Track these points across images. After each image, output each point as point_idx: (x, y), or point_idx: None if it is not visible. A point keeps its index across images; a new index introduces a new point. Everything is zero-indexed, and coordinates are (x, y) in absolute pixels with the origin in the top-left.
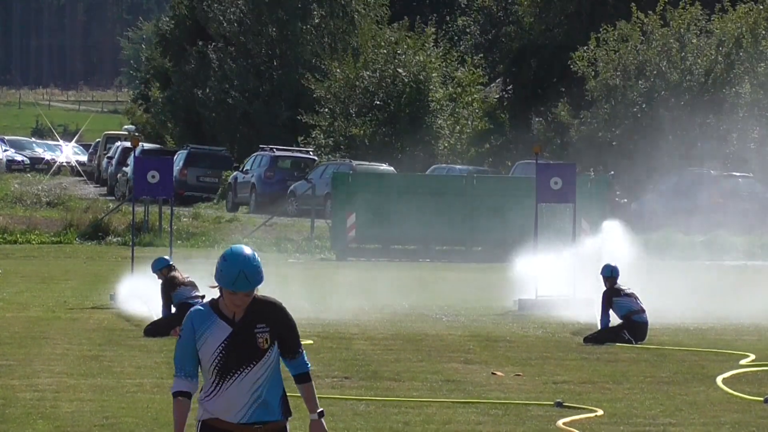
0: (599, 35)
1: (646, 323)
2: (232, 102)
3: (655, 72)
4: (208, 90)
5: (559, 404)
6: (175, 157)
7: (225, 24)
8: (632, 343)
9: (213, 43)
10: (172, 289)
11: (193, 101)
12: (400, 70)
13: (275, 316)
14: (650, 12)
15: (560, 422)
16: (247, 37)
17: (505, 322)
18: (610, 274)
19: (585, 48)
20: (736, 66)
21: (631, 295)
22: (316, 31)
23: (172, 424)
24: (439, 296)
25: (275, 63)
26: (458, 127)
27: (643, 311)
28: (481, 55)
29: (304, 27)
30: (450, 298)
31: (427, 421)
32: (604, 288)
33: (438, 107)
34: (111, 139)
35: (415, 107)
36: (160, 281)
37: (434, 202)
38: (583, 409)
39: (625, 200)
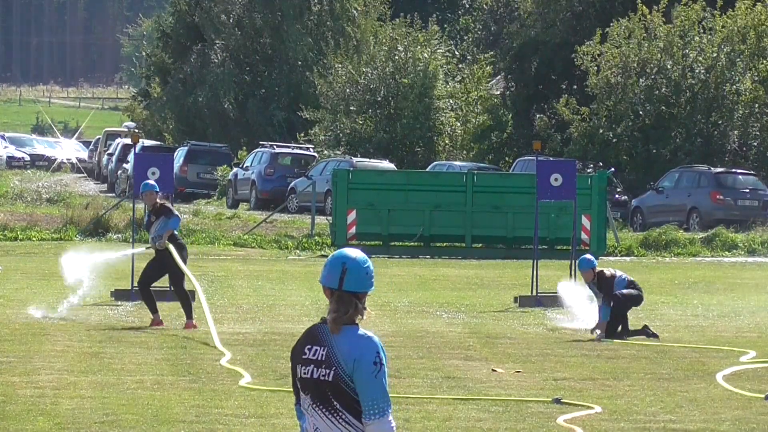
0: (605, 31)
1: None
2: (224, 109)
3: (656, 69)
4: (201, 94)
5: (558, 401)
6: (175, 154)
7: (224, 19)
8: (656, 338)
9: (215, 43)
10: (170, 214)
11: (187, 104)
12: (408, 64)
13: None
14: (654, 8)
15: (560, 419)
16: (245, 36)
17: (505, 318)
18: (592, 265)
19: (590, 43)
20: (737, 63)
21: (616, 275)
22: (316, 28)
23: (172, 422)
24: (439, 293)
25: (274, 61)
26: (459, 124)
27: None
28: (491, 53)
29: (301, 25)
30: (450, 295)
31: (428, 418)
32: (589, 280)
33: (441, 104)
34: (111, 136)
35: (419, 103)
36: (150, 204)
37: (434, 199)
38: (582, 406)
39: (626, 197)
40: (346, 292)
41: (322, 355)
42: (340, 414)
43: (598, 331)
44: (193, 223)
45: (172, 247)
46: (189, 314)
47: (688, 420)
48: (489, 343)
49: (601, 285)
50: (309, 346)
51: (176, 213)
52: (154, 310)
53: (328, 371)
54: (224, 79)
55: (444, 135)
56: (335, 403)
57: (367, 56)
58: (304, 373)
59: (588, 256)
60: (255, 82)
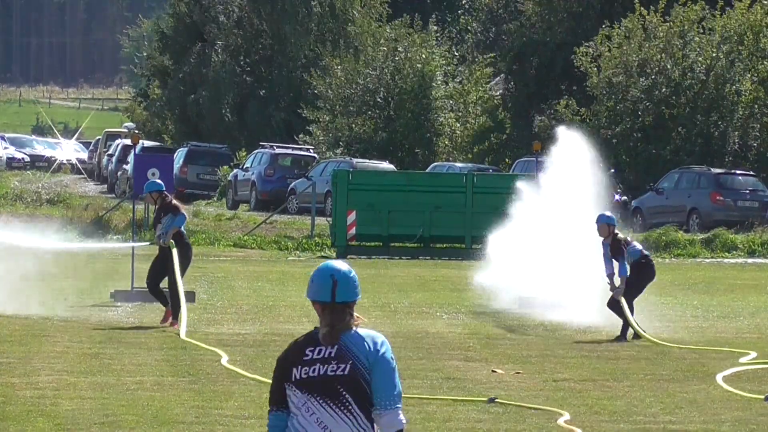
0: (605, 32)
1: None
2: (225, 109)
3: (656, 69)
4: (202, 94)
5: (492, 400)
6: (175, 155)
7: (223, 20)
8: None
9: (215, 43)
10: (176, 212)
11: (188, 104)
12: (406, 65)
13: None
14: (652, 8)
15: (561, 420)
16: (246, 37)
17: (505, 319)
18: (608, 221)
19: (590, 44)
20: (737, 63)
21: (630, 242)
22: (317, 29)
23: (171, 422)
24: (439, 294)
25: (274, 60)
26: (459, 125)
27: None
28: (491, 55)
29: (301, 26)
30: (450, 296)
31: (428, 419)
32: (603, 236)
33: (441, 105)
34: (111, 137)
35: (417, 104)
36: (154, 205)
37: (434, 200)
38: (515, 405)
39: (626, 198)
40: (339, 304)
41: (331, 352)
42: (350, 407)
43: (617, 283)
44: (193, 224)
45: (174, 251)
46: (175, 313)
47: (688, 421)
48: (489, 344)
49: (613, 246)
50: (311, 348)
51: (183, 211)
52: (166, 303)
53: (342, 365)
54: (225, 78)
55: (444, 136)
56: (346, 396)
57: (366, 57)
58: (310, 372)
59: (606, 212)
60: (255, 83)
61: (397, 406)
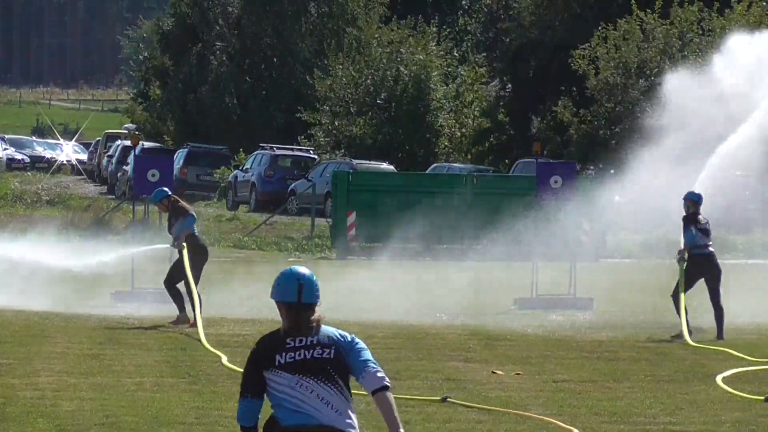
0: (601, 33)
1: (706, 255)
2: (228, 106)
3: (655, 70)
4: (203, 92)
5: (444, 399)
6: (175, 156)
7: (222, 23)
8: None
9: (214, 45)
10: (185, 214)
11: (189, 102)
12: (402, 68)
13: None
14: (649, 10)
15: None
16: (245, 38)
17: (505, 320)
18: (696, 199)
19: (586, 46)
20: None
21: (704, 231)
22: (316, 30)
23: (172, 423)
24: (439, 295)
25: (274, 61)
26: (458, 126)
27: (706, 246)
28: (484, 54)
29: (302, 26)
30: (450, 297)
31: (428, 420)
32: (687, 211)
33: (439, 105)
34: (111, 138)
35: (415, 105)
36: (167, 212)
37: (434, 201)
38: (471, 407)
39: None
40: (304, 304)
41: (312, 340)
42: (339, 384)
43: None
44: None
45: (185, 254)
46: (181, 308)
47: (688, 422)
48: (489, 345)
49: (687, 219)
50: (291, 338)
51: (191, 212)
52: (181, 308)
53: (328, 350)
54: (225, 80)
55: (443, 137)
56: (335, 375)
57: (368, 58)
58: (296, 357)
59: (694, 190)
60: (256, 84)
61: (378, 368)
